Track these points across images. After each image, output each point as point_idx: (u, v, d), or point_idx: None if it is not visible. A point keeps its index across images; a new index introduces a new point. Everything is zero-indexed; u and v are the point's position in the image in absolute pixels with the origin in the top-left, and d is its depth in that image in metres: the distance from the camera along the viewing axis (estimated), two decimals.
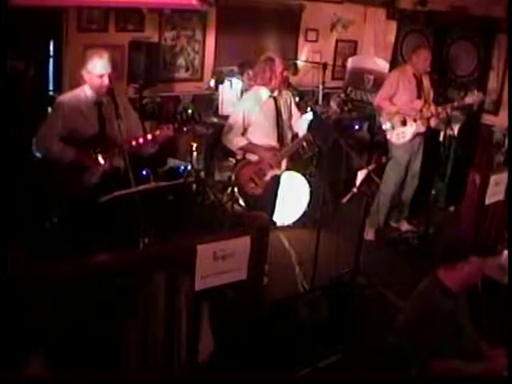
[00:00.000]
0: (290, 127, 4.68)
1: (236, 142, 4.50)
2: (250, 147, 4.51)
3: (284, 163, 4.65)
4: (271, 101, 4.51)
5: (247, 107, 4.48)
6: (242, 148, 4.53)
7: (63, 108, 3.79)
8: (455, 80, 6.47)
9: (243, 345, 3.27)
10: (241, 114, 4.47)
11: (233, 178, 4.59)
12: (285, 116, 4.60)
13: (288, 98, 4.69)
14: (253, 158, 4.56)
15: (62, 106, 3.81)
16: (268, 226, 3.35)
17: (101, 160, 3.78)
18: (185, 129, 3.83)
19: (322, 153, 4.89)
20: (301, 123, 4.67)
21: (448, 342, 2.77)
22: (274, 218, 4.99)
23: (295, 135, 4.73)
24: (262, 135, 4.51)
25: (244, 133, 4.50)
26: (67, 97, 3.87)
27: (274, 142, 4.57)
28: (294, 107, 4.74)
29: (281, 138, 4.58)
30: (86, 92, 3.84)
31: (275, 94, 4.51)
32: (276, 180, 4.67)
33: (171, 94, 6.23)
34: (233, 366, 3.24)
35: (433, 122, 5.55)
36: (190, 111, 3.80)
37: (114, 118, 3.76)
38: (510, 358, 2.78)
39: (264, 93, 4.49)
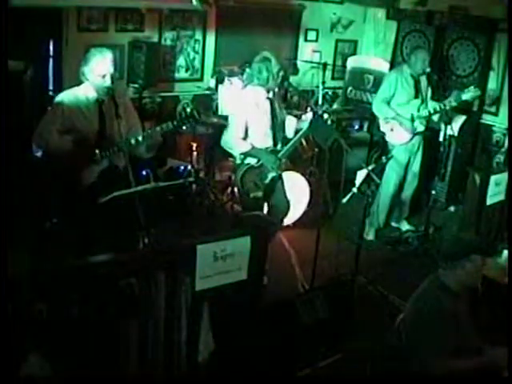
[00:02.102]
0: (283, 129, 4.66)
1: (239, 146, 4.44)
2: (253, 152, 4.44)
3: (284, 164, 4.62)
4: (267, 102, 4.47)
5: (246, 109, 4.42)
6: (244, 153, 4.46)
7: (63, 105, 3.77)
8: (455, 80, 6.48)
9: (243, 345, 3.27)
10: (240, 116, 4.41)
11: (237, 182, 4.52)
12: (279, 117, 4.57)
13: (279, 99, 4.68)
14: (251, 161, 4.50)
15: (61, 103, 3.79)
16: (268, 226, 3.35)
17: (99, 157, 3.77)
18: (184, 127, 3.80)
19: (322, 153, 4.89)
20: (291, 125, 4.66)
21: (448, 342, 2.77)
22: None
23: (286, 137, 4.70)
24: (259, 137, 4.47)
25: (245, 137, 4.44)
26: (67, 94, 3.84)
27: (269, 144, 4.55)
28: (283, 108, 4.70)
29: (275, 139, 4.55)
30: (86, 90, 3.82)
31: (270, 94, 4.47)
32: (276, 179, 4.64)
33: (171, 94, 6.23)
34: (233, 365, 3.24)
35: (433, 121, 5.56)
36: (188, 109, 3.77)
37: (114, 118, 3.76)
38: (509, 358, 2.78)
39: (261, 94, 4.44)
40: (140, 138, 3.75)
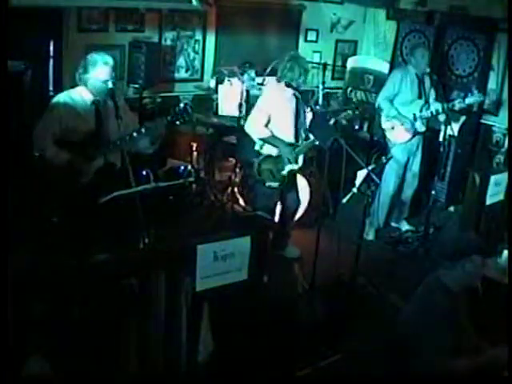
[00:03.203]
0: (305, 126, 4.82)
1: (259, 131, 4.64)
2: (272, 140, 4.65)
3: (301, 159, 4.76)
4: (294, 98, 4.67)
5: (274, 101, 4.63)
6: (263, 139, 4.66)
7: (58, 108, 3.80)
8: (455, 80, 6.48)
9: (243, 345, 3.27)
10: (267, 105, 4.63)
11: (254, 170, 4.71)
12: (302, 115, 4.75)
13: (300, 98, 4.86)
14: (271, 151, 4.68)
15: (57, 106, 3.81)
16: (268, 226, 3.35)
17: (94, 154, 3.79)
18: (177, 122, 3.82)
19: (322, 153, 4.91)
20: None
21: (448, 342, 2.77)
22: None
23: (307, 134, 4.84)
24: (282, 130, 4.65)
25: (267, 124, 4.63)
26: (62, 97, 3.86)
27: (291, 138, 4.71)
28: (305, 106, 4.89)
29: (297, 135, 4.72)
30: (82, 93, 3.84)
31: (297, 92, 4.65)
32: (293, 174, 4.81)
33: (171, 94, 6.23)
34: (233, 365, 3.24)
35: (433, 122, 5.57)
36: (181, 104, 3.81)
37: (112, 118, 3.78)
38: (509, 358, 2.78)
39: (289, 90, 4.62)
40: (135, 135, 3.75)
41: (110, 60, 3.79)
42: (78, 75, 3.82)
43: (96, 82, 3.76)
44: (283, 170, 4.68)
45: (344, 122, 5.01)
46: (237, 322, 3.23)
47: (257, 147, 4.72)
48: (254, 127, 4.64)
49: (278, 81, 4.68)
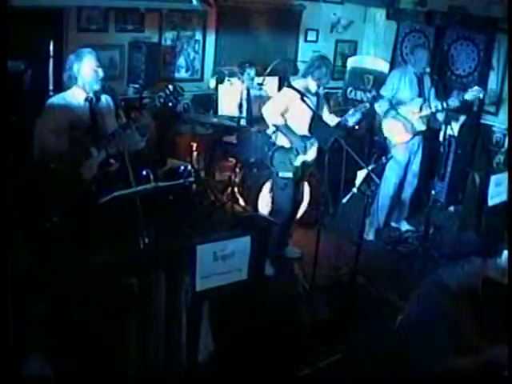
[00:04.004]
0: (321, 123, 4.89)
1: (274, 117, 4.69)
2: (283, 129, 4.71)
3: (314, 152, 4.82)
4: (315, 96, 4.74)
5: (296, 93, 4.66)
6: (276, 126, 4.73)
7: (54, 109, 3.85)
8: (455, 80, 6.48)
9: (243, 345, 3.27)
10: (288, 96, 4.68)
11: (267, 160, 4.78)
12: (320, 112, 4.83)
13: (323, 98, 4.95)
14: (284, 142, 4.75)
15: (52, 106, 3.86)
16: (269, 226, 3.35)
17: (95, 151, 3.81)
18: (170, 104, 3.85)
19: (322, 153, 4.92)
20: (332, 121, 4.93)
21: (448, 342, 2.77)
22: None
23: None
24: (296, 122, 4.71)
25: (284, 112, 4.69)
26: (56, 98, 3.92)
27: (305, 131, 4.77)
28: (326, 106, 4.97)
29: (311, 130, 4.80)
30: (74, 92, 3.89)
31: (320, 90, 4.76)
32: (304, 165, 4.88)
33: None
34: (233, 365, 3.24)
35: (433, 121, 5.57)
36: (171, 86, 3.83)
37: (110, 116, 3.85)
38: (509, 358, 2.78)
39: (313, 87, 4.71)
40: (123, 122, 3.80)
41: (93, 51, 3.87)
42: (68, 74, 3.88)
43: (86, 73, 3.81)
44: (296, 161, 4.74)
45: (352, 123, 4.98)
46: (237, 322, 3.23)
47: (272, 138, 4.81)
48: (271, 112, 4.69)
49: (304, 76, 4.78)
